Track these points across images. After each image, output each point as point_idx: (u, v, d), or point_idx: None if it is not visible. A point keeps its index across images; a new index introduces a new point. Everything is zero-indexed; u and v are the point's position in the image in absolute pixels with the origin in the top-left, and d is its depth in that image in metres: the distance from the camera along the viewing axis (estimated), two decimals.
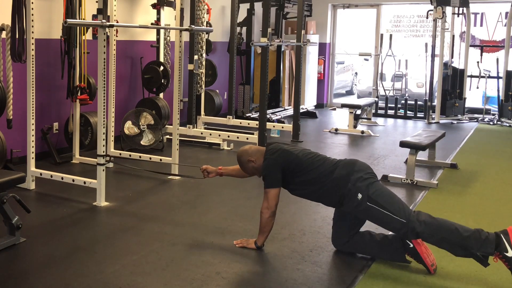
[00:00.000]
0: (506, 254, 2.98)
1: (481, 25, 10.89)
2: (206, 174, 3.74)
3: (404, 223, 3.13)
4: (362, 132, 8.03)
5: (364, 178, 3.25)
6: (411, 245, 3.23)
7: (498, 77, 9.67)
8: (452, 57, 9.62)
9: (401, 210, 3.17)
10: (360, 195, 3.20)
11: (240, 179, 3.92)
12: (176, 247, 3.52)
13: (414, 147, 5.31)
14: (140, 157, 5.61)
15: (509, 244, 2.99)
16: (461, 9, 9.46)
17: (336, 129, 8.25)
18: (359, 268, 3.27)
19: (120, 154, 5.73)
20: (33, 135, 4.66)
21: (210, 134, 6.79)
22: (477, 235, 3.03)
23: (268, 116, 7.41)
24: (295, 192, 3.50)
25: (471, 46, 9.87)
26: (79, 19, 5.32)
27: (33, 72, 4.58)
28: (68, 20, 4.08)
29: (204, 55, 7.30)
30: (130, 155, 5.68)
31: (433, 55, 9.48)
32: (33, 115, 4.64)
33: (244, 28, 8.93)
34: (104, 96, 4.35)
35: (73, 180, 4.58)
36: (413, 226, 3.12)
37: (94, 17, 5.67)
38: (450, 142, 7.31)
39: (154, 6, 6.97)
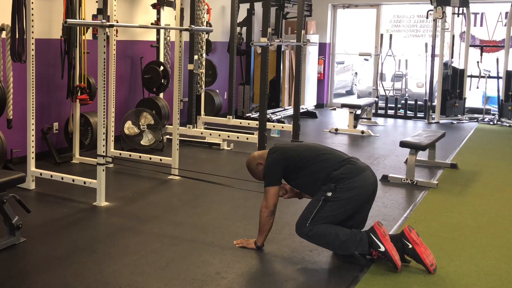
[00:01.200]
0: (380, 250, 3.22)
1: (481, 25, 10.89)
2: (284, 192, 3.62)
3: (305, 226, 3.29)
4: (362, 132, 8.03)
5: (350, 191, 3.26)
6: (410, 246, 3.23)
7: (498, 77, 9.67)
8: (452, 57, 9.62)
9: (320, 221, 3.26)
10: (330, 194, 3.27)
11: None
12: (176, 247, 3.52)
13: (414, 147, 5.31)
14: (140, 157, 5.61)
15: (379, 240, 3.23)
16: (461, 9, 9.46)
17: (336, 129, 8.26)
18: (359, 268, 3.26)
19: (120, 154, 5.73)
20: (33, 135, 4.66)
21: (210, 134, 6.79)
22: (353, 238, 3.25)
23: (268, 116, 7.41)
24: (300, 189, 3.51)
25: (471, 46, 9.87)
26: (79, 19, 5.32)
27: (33, 72, 4.58)
28: (68, 20, 4.08)
29: (204, 55, 7.30)
30: (130, 155, 5.68)
31: (433, 55, 9.48)
32: (33, 115, 4.64)
33: (244, 28, 8.93)
34: (104, 96, 4.35)
35: (73, 180, 4.58)
36: (306, 231, 3.29)
37: (94, 17, 5.67)
38: (450, 142, 7.31)
39: (154, 6, 6.97)
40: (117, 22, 5.92)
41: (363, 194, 3.31)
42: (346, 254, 3.33)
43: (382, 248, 3.21)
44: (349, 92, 14.01)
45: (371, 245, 3.23)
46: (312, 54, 10.41)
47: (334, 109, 10.89)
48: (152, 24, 6.94)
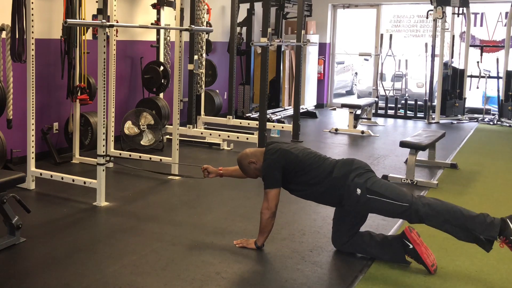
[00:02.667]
0: None
1: (481, 25, 10.89)
2: (207, 174, 3.74)
3: (407, 207, 3.10)
4: (362, 132, 8.03)
5: (362, 174, 3.26)
6: (411, 246, 3.23)
7: (498, 77, 9.67)
8: (452, 57, 9.62)
9: (402, 195, 3.14)
10: (359, 190, 3.20)
11: (240, 179, 3.91)
12: (176, 247, 3.52)
13: (414, 147, 5.31)
14: (140, 157, 5.61)
15: None
16: (461, 9, 9.46)
17: (336, 129, 8.26)
18: (359, 268, 3.27)
19: (120, 154, 5.73)
20: (33, 135, 4.66)
21: (210, 134, 6.79)
22: (482, 219, 2.97)
23: (268, 116, 7.41)
24: (295, 193, 3.50)
25: (471, 46, 9.87)
26: (79, 19, 5.33)
27: (33, 72, 4.58)
28: (68, 20, 4.08)
29: (204, 55, 7.30)
30: (130, 155, 5.68)
31: (433, 55, 9.48)
32: (33, 115, 4.64)
33: (244, 28, 8.93)
34: (104, 96, 4.35)
35: (73, 180, 4.58)
36: (417, 208, 3.07)
37: (94, 17, 5.67)
38: (450, 142, 7.31)
39: (154, 6, 6.97)
40: (117, 22, 5.92)
41: (370, 170, 3.34)
42: (467, 239, 3.03)
43: None
44: (349, 92, 14.01)
45: (503, 232, 2.91)
46: (312, 54, 10.41)
47: (334, 109, 10.89)
48: (152, 24, 6.94)
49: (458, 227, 3.02)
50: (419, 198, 3.15)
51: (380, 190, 3.17)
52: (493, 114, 9.83)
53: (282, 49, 9.49)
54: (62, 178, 4.63)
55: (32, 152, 4.69)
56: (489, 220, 2.97)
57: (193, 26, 5.72)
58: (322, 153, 3.54)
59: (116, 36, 6.01)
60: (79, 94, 5.48)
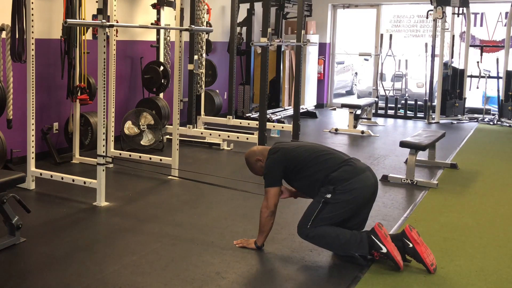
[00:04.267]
0: (381, 251, 3.22)
1: (481, 25, 10.89)
2: (280, 192, 3.52)
3: (306, 227, 3.30)
4: (362, 132, 8.03)
5: (350, 193, 3.24)
6: (411, 245, 3.23)
7: (498, 77, 9.67)
8: (452, 57, 9.62)
9: (321, 222, 3.26)
10: (329, 196, 3.26)
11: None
12: (176, 247, 3.52)
13: (414, 147, 5.31)
14: (140, 157, 5.61)
15: (380, 241, 3.21)
16: (461, 9, 9.46)
17: (336, 129, 8.26)
18: (359, 268, 3.26)
19: (120, 154, 5.73)
20: (33, 135, 4.66)
21: (210, 134, 6.79)
22: (354, 239, 3.24)
23: (268, 116, 7.41)
24: (300, 191, 3.51)
25: (471, 46, 9.87)
26: (79, 19, 5.32)
27: (33, 72, 4.58)
28: (68, 20, 4.08)
29: (204, 55, 7.30)
30: (130, 155, 5.68)
31: (433, 55, 9.48)
32: (33, 115, 4.64)
33: (244, 28, 8.93)
34: (104, 96, 4.35)
35: (73, 180, 4.58)
36: (307, 233, 3.30)
37: (94, 17, 5.67)
38: (450, 142, 7.31)
39: (154, 6, 6.97)
40: (117, 22, 5.92)
41: (362, 196, 3.30)
42: (347, 255, 3.33)
43: (384, 250, 3.21)
44: (349, 92, 14.00)
45: (372, 247, 3.23)
46: (312, 54, 10.41)
47: (334, 109, 10.89)
48: (152, 24, 6.93)
49: (337, 249, 3.33)
50: (316, 227, 3.28)
51: (327, 210, 3.26)
52: (493, 114, 9.83)
53: (282, 49, 9.48)
54: (62, 178, 4.63)
55: (32, 152, 4.69)
56: (359, 239, 3.24)
57: (193, 26, 5.72)
58: (331, 149, 3.54)
59: (116, 36, 6.01)
60: (79, 94, 5.48)
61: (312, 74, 10.57)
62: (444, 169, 5.89)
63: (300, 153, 3.40)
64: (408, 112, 9.98)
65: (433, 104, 9.49)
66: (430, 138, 5.65)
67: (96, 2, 4.47)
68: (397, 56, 10.70)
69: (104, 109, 4.37)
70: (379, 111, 10.00)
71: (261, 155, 3.48)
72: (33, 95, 4.62)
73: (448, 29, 9.37)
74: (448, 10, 9.37)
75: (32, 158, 4.69)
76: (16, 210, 3.51)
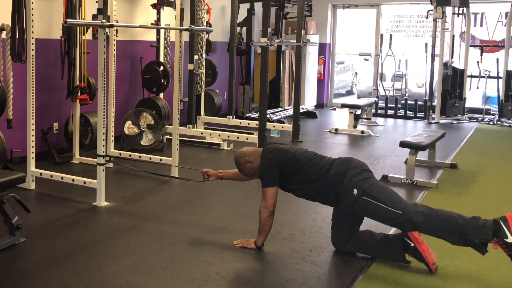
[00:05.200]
0: (506, 240, 2.93)
1: (481, 25, 10.89)
2: (207, 177, 3.73)
3: (400, 215, 3.10)
4: (362, 132, 8.03)
5: (359, 174, 3.26)
6: (412, 244, 3.23)
7: (498, 77, 9.67)
8: (452, 57, 9.62)
9: (396, 202, 3.15)
10: (356, 191, 3.20)
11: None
12: (176, 247, 3.52)
13: (414, 147, 5.31)
14: (140, 157, 5.61)
15: (508, 230, 2.94)
16: (461, 9, 9.46)
17: (336, 129, 8.25)
18: (359, 268, 3.27)
19: (120, 154, 5.73)
20: (33, 135, 4.66)
21: (210, 134, 6.79)
22: (474, 222, 2.99)
23: (268, 116, 7.41)
24: (294, 192, 3.50)
25: (471, 46, 9.87)
26: (79, 19, 5.32)
27: (33, 72, 4.58)
28: (68, 20, 4.08)
29: (204, 55, 7.30)
30: (130, 155, 5.68)
31: (433, 55, 9.48)
32: (33, 115, 4.64)
33: (244, 28, 8.93)
34: (104, 96, 4.35)
35: (73, 180, 4.58)
36: (410, 217, 3.09)
37: (94, 17, 5.67)
38: (450, 142, 7.31)
39: (154, 6, 6.97)
40: (117, 22, 5.92)
41: (369, 170, 3.34)
42: (462, 243, 3.05)
43: (511, 239, 2.92)
44: (349, 92, 14.00)
45: (497, 233, 2.93)
46: (312, 54, 10.41)
47: (334, 109, 10.89)
48: (152, 24, 6.94)
49: (452, 233, 3.04)
50: (412, 206, 3.15)
51: (376, 194, 3.17)
52: (493, 114, 9.83)
53: (282, 49, 9.49)
54: (62, 178, 4.63)
55: (32, 152, 4.69)
56: (481, 223, 2.98)
57: (193, 26, 5.72)
58: (319, 153, 3.54)
59: (116, 36, 6.01)
60: (79, 94, 5.48)
61: (312, 74, 10.57)
62: (444, 169, 5.89)
63: (295, 154, 3.41)
64: (408, 112, 9.98)
65: (433, 104, 9.49)
66: (430, 138, 5.65)
67: (96, 2, 4.47)
68: (397, 56, 10.70)
69: (104, 109, 4.37)
70: (379, 111, 10.00)
71: (251, 156, 3.48)
72: (33, 95, 4.62)
73: (448, 29, 9.37)
74: (448, 10, 9.37)
75: (32, 158, 4.69)
76: (16, 210, 3.51)
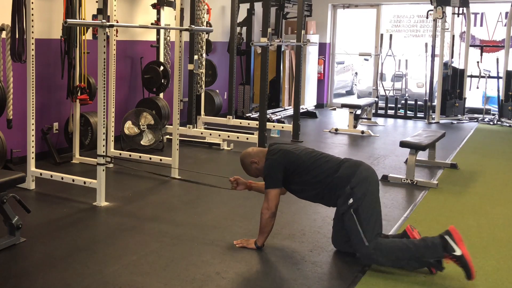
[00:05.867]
0: (454, 253, 3.04)
1: (481, 25, 10.89)
2: (235, 185, 3.68)
3: (366, 246, 3.16)
4: (362, 132, 8.03)
5: (362, 184, 3.25)
6: None
7: (498, 77, 9.67)
8: (452, 57, 9.62)
9: (372, 230, 3.18)
10: (351, 200, 3.22)
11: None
12: (176, 247, 3.52)
13: (414, 147, 5.31)
14: (140, 157, 5.61)
15: (454, 243, 3.05)
16: (461, 9, 9.46)
17: (336, 129, 8.25)
18: (359, 268, 3.26)
19: (120, 154, 5.73)
20: (33, 135, 4.66)
21: (210, 134, 6.79)
22: (424, 243, 3.10)
23: (268, 116, 7.41)
24: (298, 194, 3.51)
25: (471, 46, 9.87)
26: (79, 19, 5.32)
27: (33, 72, 4.58)
28: (68, 20, 4.08)
29: (204, 55, 7.30)
30: (130, 155, 5.68)
31: (433, 55, 9.48)
32: (33, 115, 4.64)
33: (244, 28, 8.93)
34: (104, 96, 4.35)
35: (73, 180, 4.58)
36: (370, 253, 3.16)
37: (94, 17, 5.67)
38: (450, 142, 7.31)
39: (154, 6, 6.97)
40: (117, 22, 5.92)
41: (374, 181, 3.33)
42: (421, 266, 3.15)
43: (458, 252, 3.02)
44: (349, 92, 14.00)
45: (445, 249, 3.05)
46: (312, 54, 10.41)
47: (334, 109, 10.89)
48: (152, 24, 6.94)
49: (409, 260, 3.14)
50: (375, 242, 3.16)
51: (362, 215, 3.19)
52: (493, 114, 9.83)
53: (282, 49, 9.49)
54: (62, 178, 4.63)
55: (32, 152, 4.69)
56: (430, 243, 3.09)
57: (193, 26, 5.72)
58: (325, 152, 3.54)
59: (116, 36, 6.01)
60: (79, 94, 5.48)
61: (312, 74, 10.57)
62: (444, 169, 5.89)
63: (299, 155, 3.40)
64: (408, 112, 9.98)
65: (433, 104, 9.49)
66: (430, 138, 5.65)
67: (96, 2, 4.47)
68: (397, 56, 10.70)
69: (104, 109, 4.37)
70: (379, 111, 10.00)
71: (256, 157, 3.48)
72: (33, 95, 4.62)
73: (448, 29, 9.37)
74: (448, 10, 9.37)
75: (32, 158, 4.69)
76: (16, 210, 3.51)
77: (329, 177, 3.31)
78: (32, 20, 4.53)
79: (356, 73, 13.95)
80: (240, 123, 7.46)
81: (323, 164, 3.36)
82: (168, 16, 7.20)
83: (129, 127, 6.33)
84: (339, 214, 3.38)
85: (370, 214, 3.22)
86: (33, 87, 4.61)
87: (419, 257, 3.11)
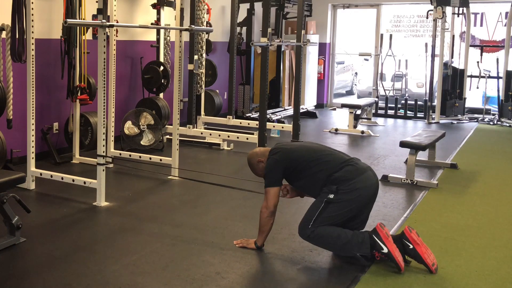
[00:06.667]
0: (383, 251, 3.21)
1: (481, 25, 10.89)
2: (285, 192, 3.62)
3: (307, 228, 3.28)
4: (362, 132, 8.03)
5: (351, 193, 3.25)
6: (411, 246, 3.23)
7: (498, 77, 9.67)
8: (452, 57, 9.62)
9: (322, 222, 3.25)
10: (331, 196, 3.26)
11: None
12: (176, 247, 3.52)
13: (414, 147, 5.31)
14: (140, 157, 5.61)
15: (381, 241, 3.21)
16: (461, 9, 9.46)
17: (336, 129, 8.26)
18: (359, 268, 3.26)
19: (120, 154, 5.73)
20: (33, 135, 4.66)
21: (210, 134, 6.79)
22: (355, 239, 3.23)
23: (268, 116, 7.41)
24: (301, 189, 3.51)
25: (471, 46, 9.87)
26: (79, 19, 5.32)
27: (33, 72, 4.58)
28: (68, 20, 4.08)
29: (204, 55, 7.30)
30: (130, 155, 5.68)
31: (433, 55, 9.48)
32: (33, 115, 4.64)
33: (244, 28, 8.93)
34: (104, 96, 4.35)
35: (73, 180, 4.58)
36: (307, 233, 3.28)
37: (94, 17, 5.67)
38: (450, 142, 7.31)
39: (154, 6, 6.97)
40: (117, 22, 5.92)
41: (364, 195, 3.31)
42: (347, 255, 3.32)
43: (385, 250, 3.20)
44: (349, 92, 14.00)
45: (374, 247, 3.22)
46: (312, 54, 10.41)
47: (334, 109, 10.89)
48: (152, 24, 6.93)
49: (340, 249, 3.29)
50: (317, 227, 3.26)
51: (329, 209, 3.25)
52: (493, 114, 9.83)
53: (282, 49, 9.48)
54: (62, 178, 4.63)
55: (32, 152, 4.69)
56: (361, 239, 3.24)
57: (193, 26, 5.72)
58: (331, 148, 3.55)
59: (116, 36, 6.01)
60: (79, 94, 5.48)
61: (312, 74, 10.57)
62: (444, 169, 5.89)
63: (301, 153, 3.41)
64: (408, 112, 9.98)
65: (433, 104, 9.49)
66: (430, 138, 5.65)
67: (96, 2, 4.47)
68: (397, 56, 10.70)
69: (104, 109, 4.37)
70: (379, 111, 10.00)
71: (262, 156, 3.49)
72: (33, 95, 4.62)
73: (448, 29, 9.37)
74: (448, 10, 9.37)
75: (32, 158, 4.69)
76: (16, 210, 3.51)
77: (329, 175, 3.31)
78: (32, 20, 4.53)
79: (356, 73, 13.95)
80: (240, 123, 7.46)
81: (326, 161, 3.36)
82: (168, 16, 7.20)
83: (129, 127, 6.33)
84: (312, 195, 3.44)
85: (336, 215, 3.26)
86: (33, 87, 4.61)
87: (348, 249, 3.25)
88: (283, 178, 3.42)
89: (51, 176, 4.68)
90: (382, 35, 10.46)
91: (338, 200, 3.26)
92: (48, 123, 5.80)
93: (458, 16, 9.62)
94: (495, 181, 5.55)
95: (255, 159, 3.52)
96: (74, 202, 4.44)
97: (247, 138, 6.53)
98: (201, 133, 6.87)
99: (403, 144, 5.43)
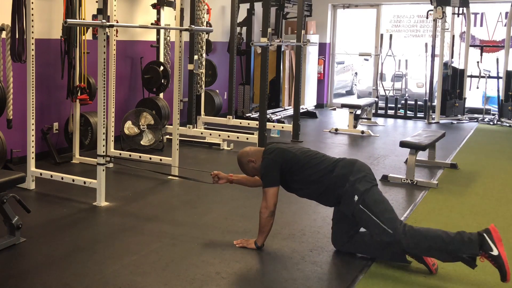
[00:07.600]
0: (491, 253, 2.97)
1: (481, 25, 10.89)
2: (217, 179, 3.70)
3: (391, 234, 3.11)
4: (362, 132, 8.03)
5: (362, 179, 3.25)
6: None
7: (498, 77, 9.67)
8: (452, 57, 9.62)
9: (390, 219, 3.14)
10: (356, 197, 3.20)
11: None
12: (176, 247, 3.52)
13: (414, 147, 5.31)
14: (140, 157, 5.61)
15: (493, 242, 2.99)
16: (461, 9, 9.46)
17: (336, 129, 8.25)
18: (359, 268, 3.27)
19: (120, 154, 5.73)
20: (33, 135, 4.66)
21: (210, 134, 6.79)
22: (460, 238, 3.03)
23: (268, 116, 7.41)
24: (296, 192, 3.51)
25: (471, 46, 9.87)
26: (79, 19, 5.32)
27: (33, 72, 4.58)
28: (68, 20, 4.09)
29: (204, 55, 7.30)
30: (130, 155, 5.68)
31: (433, 55, 9.48)
32: (33, 115, 4.64)
33: (244, 28, 8.93)
34: (104, 96, 4.35)
35: (73, 180, 4.58)
36: (399, 239, 3.10)
37: (94, 17, 5.67)
38: (450, 142, 7.31)
39: (154, 6, 6.97)
40: (117, 22, 5.92)
41: (372, 176, 3.33)
42: (452, 260, 3.09)
43: (495, 252, 2.96)
44: (349, 92, 14.01)
45: (481, 247, 2.99)
46: (312, 54, 10.41)
47: (334, 109, 10.89)
48: (152, 24, 6.93)
49: (441, 251, 3.06)
50: (403, 227, 3.12)
51: (373, 206, 3.17)
52: (493, 114, 9.82)
53: (282, 49, 9.48)
54: (62, 178, 4.63)
55: (32, 152, 4.69)
56: (467, 238, 3.02)
57: (193, 26, 5.72)
58: (321, 152, 3.54)
59: (116, 36, 6.01)
60: (79, 94, 5.48)
61: (312, 74, 10.57)
62: (444, 169, 5.89)
63: (295, 154, 3.41)
64: (408, 112, 9.98)
65: (433, 104, 9.49)
66: (430, 138, 5.65)
67: (96, 2, 4.47)
68: (397, 56, 10.70)
69: (104, 109, 4.37)
70: (379, 111, 10.00)
71: (254, 156, 3.48)
72: (33, 95, 4.62)
73: (448, 29, 9.37)
74: (448, 10, 9.37)
75: (32, 158, 4.69)
76: (16, 210, 3.51)
77: (325, 176, 3.32)
78: (32, 20, 4.53)
79: (356, 73, 13.95)
80: (240, 123, 7.46)
81: (318, 164, 3.37)
82: (168, 16, 7.20)
83: (129, 127, 6.33)
84: (341, 212, 3.38)
85: (380, 201, 3.21)
86: (33, 87, 4.61)
87: (452, 250, 3.02)
88: (280, 177, 3.40)
89: (51, 176, 4.68)
90: (382, 35, 10.46)
91: (362, 193, 3.19)
92: (48, 123, 5.80)
93: (458, 16, 9.62)
94: (495, 181, 5.55)
95: (245, 158, 3.51)
96: (74, 202, 4.44)
97: (247, 138, 6.54)
98: (201, 133, 6.87)
99: (403, 144, 5.43)
